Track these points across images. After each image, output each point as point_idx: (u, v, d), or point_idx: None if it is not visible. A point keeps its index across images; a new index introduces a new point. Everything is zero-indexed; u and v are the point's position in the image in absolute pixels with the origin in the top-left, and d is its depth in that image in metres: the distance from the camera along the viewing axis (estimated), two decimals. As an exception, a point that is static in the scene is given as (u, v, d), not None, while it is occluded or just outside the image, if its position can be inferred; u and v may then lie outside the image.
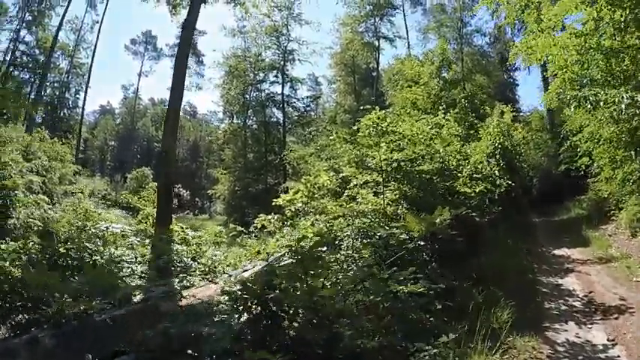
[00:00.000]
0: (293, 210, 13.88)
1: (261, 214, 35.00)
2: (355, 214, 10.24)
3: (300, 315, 5.46)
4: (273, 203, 15.14)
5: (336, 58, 46.25)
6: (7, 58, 43.61)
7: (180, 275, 9.83)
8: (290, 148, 32.06)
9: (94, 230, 12.05)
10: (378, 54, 44.39)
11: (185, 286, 9.18)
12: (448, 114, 15.84)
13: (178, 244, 13.60)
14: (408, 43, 44.74)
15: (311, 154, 24.96)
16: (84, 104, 51.67)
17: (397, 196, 10.96)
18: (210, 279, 9.44)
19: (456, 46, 38.85)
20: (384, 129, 11.12)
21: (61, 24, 46.09)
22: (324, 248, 9.01)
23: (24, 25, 44.05)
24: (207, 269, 10.00)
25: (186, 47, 17.20)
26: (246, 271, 9.16)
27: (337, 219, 10.22)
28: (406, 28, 43.59)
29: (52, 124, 47.13)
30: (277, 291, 5.45)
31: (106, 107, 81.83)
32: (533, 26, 15.08)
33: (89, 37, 51.23)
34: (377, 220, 9.53)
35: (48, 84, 50.29)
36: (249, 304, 5.45)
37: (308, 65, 49.29)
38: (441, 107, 17.47)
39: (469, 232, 10.01)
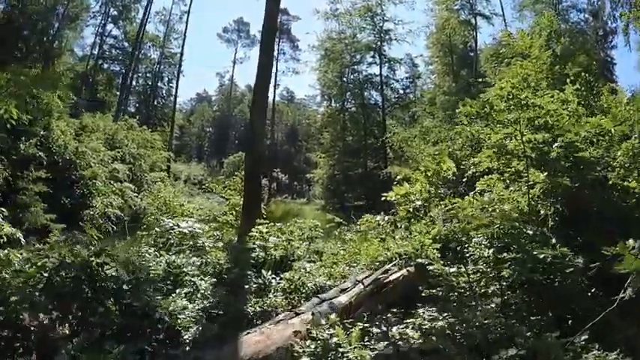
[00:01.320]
0: (409, 208, 11.35)
1: (358, 201, 32.93)
2: (494, 215, 7.78)
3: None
4: (383, 198, 12.65)
5: (432, 38, 43.56)
6: (95, 52, 44.80)
7: (254, 298, 7.46)
8: (393, 130, 29.46)
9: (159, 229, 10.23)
10: (476, 32, 41.25)
11: (258, 312, 7.13)
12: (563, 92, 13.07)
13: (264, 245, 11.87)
14: (504, 19, 40.86)
15: (415, 137, 22.39)
16: (176, 92, 51.93)
17: (542, 191, 8.37)
18: (294, 303, 7.17)
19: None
20: (523, 101, 8.54)
21: (147, 16, 47.00)
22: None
23: (109, 19, 45.05)
24: (292, 286, 7.71)
25: (271, 21, 15.45)
26: (344, 291, 6.94)
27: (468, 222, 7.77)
28: (501, 5, 39.76)
29: (146, 113, 48.15)
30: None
31: (202, 95, 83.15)
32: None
33: (178, 27, 51.61)
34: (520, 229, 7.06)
35: (140, 75, 51.39)
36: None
37: (405, 46, 46.45)
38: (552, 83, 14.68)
39: None
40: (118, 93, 46.69)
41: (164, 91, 52.76)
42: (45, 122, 16.96)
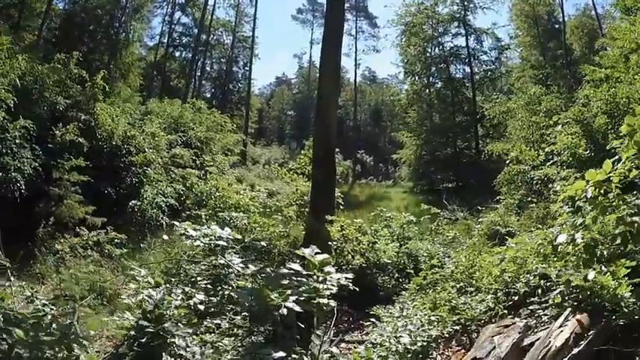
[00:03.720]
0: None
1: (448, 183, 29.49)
2: None
3: None
4: (561, 196, 9.31)
5: (515, 9, 39.00)
6: (165, 40, 44.03)
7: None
8: (493, 101, 25.66)
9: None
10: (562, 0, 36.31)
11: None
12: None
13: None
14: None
15: (521, 108, 18.78)
16: (250, 74, 50.42)
17: None
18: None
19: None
20: None
21: (215, 2, 46.22)
22: None
23: (177, 7, 44.30)
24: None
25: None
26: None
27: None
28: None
29: (222, 98, 47.40)
30: None
31: (281, 78, 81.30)
32: None
33: (250, 11, 50.18)
34: None
35: (214, 60, 50.74)
36: None
37: (491, 16, 41.85)
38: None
39: None
40: (192, 80, 45.98)
41: (240, 75, 51.53)
42: (90, 107, 15.36)
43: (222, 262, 5.81)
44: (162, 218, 14.94)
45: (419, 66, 39.61)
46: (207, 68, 50.37)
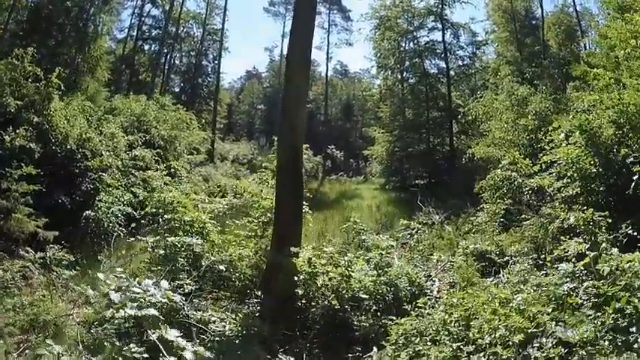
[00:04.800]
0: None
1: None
2: None
3: None
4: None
5: (493, 4, 37.83)
6: (135, 33, 41.90)
7: None
8: (476, 99, 24.22)
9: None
10: (541, -5, 35.27)
11: None
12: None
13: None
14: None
15: (507, 109, 17.30)
16: (219, 68, 48.22)
17: None
18: None
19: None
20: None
21: None
22: None
23: (147, 0, 41.95)
24: None
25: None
26: None
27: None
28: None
29: (191, 92, 45.59)
30: None
31: (252, 72, 78.91)
32: None
33: (220, 3, 48.08)
34: None
35: (184, 54, 48.63)
36: None
37: (469, 11, 40.59)
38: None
39: None
40: (162, 74, 43.89)
41: (209, 69, 49.28)
42: (44, 108, 13.56)
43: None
44: (119, 229, 13.47)
45: (392, 60, 38.08)
46: (177, 62, 48.63)
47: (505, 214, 13.37)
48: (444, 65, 36.56)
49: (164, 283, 6.31)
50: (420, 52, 36.98)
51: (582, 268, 6.33)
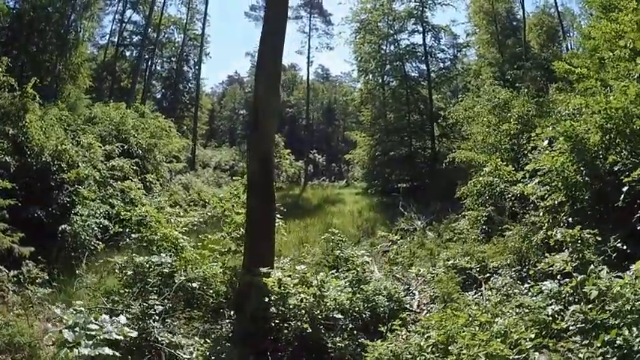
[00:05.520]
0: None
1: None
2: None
3: None
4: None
5: (474, 5, 37.66)
6: (115, 40, 41.04)
7: None
8: (457, 102, 23.83)
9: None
10: (523, -3, 34.96)
11: None
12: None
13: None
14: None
15: (489, 112, 16.86)
16: (199, 74, 47.56)
17: None
18: None
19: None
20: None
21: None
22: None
23: (128, 5, 41.11)
24: None
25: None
26: None
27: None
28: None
29: (172, 98, 45.06)
30: None
31: (234, 77, 78.80)
32: None
33: (201, 7, 47.14)
34: None
35: (165, 59, 47.73)
36: None
37: (450, 14, 40.30)
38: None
39: None
40: (143, 80, 42.68)
41: (190, 75, 48.58)
42: (19, 119, 13.03)
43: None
44: (95, 243, 12.81)
45: (373, 64, 37.39)
46: (158, 68, 47.74)
47: (487, 221, 12.94)
48: (425, 68, 36.07)
49: (122, 318, 5.80)
50: (401, 56, 36.43)
51: (569, 290, 5.87)
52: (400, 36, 37.16)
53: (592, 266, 5.76)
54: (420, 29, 36.13)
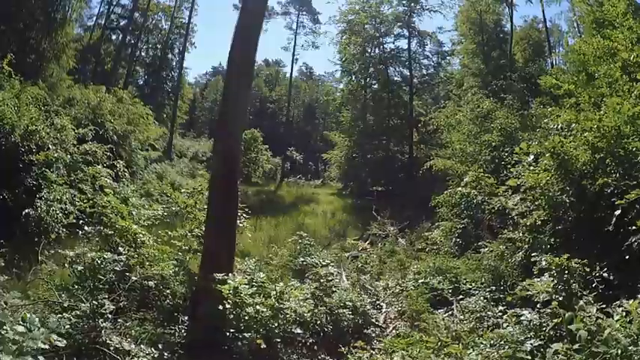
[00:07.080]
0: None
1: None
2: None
3: None
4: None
5: (462, 15, 36.75)
6: (102, 22, 39.57)
7: None
8: (438, 109, 23.35)
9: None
10: (512, 10, 34.42)
11: None
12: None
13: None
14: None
15: (470, 122, 16.27)
16: (182, 62, 45.78)
17: None
18: None
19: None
20: None
21: None
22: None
23: None
24: None
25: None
26: None
27: None
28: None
29: (155, 85, 43.61)
30: None
31: (218, 68, 77.03)
32: None
33: None
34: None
35: (150, 46, 46.15)
36: None
37: (437, 21, 39.85)
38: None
39: None
40: (127, 65, 41.33)
41: (174, 63, 46.82)
42: None
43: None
44: (59, 230, 11.82)
45: (357, 66, 36.96)
46: (143, 54, 46.02)
47: (461, 233, 12.33)
48: (408, 73, 35.70)
49: (52, 321, 4.87)
50: (385, 59, 36.02)
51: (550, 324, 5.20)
52: (386, 39, 36.85)
53: (581, 302, 5.07)
54: (406, 34, 35.86)
